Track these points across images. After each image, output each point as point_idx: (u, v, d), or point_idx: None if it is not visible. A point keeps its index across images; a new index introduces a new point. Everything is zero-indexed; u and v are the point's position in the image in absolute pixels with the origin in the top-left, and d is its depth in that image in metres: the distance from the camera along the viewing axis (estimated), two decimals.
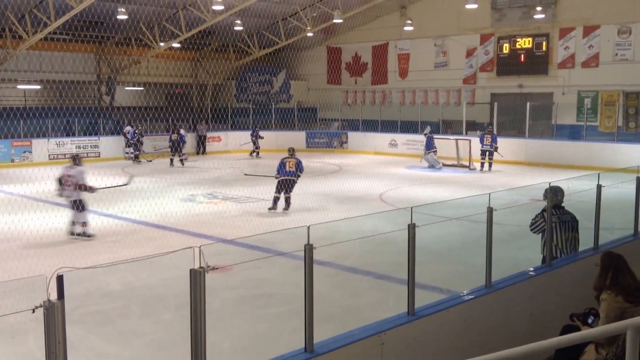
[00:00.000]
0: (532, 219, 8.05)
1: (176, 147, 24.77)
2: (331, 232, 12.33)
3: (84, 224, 12.28)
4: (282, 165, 15.24)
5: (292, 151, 15.82)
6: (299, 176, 15.27)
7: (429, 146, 23.45)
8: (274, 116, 31.61)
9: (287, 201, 14.96)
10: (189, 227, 13.06)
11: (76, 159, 13.03)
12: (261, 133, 28.81)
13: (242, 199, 16.73)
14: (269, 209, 14.82)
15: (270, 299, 8.57)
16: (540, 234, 7.87)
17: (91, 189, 12.63)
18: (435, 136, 24.18)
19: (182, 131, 25.39)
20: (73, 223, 12.32)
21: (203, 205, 15.91)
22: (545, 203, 7.82)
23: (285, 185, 15.01)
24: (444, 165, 23.53)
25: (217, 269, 4.58)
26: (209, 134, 29.56)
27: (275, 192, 15.01)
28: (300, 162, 15.40)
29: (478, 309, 6.86)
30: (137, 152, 25.79)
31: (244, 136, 29.78)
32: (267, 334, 7.40)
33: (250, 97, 34.81)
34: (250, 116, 31.42)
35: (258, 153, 28.23)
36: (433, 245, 10.74)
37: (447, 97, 30.96)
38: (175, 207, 15.44)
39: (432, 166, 23.34)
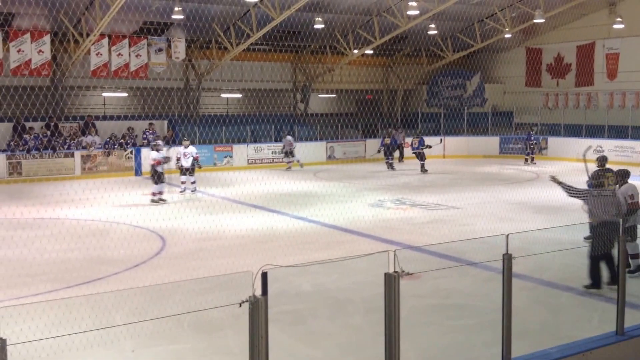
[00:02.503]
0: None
1: (390, 151, 25.45)
2: (527, 243, 11.66)
3: None
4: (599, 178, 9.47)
5: (604, 160, 11.50)
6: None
7: None
8: (466, 121, 30.86)
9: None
10: (377, 232, 13.04)
11: None
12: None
13: (430, 206, 16.43)
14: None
15: (460, 310, 8.24)
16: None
17: None
18: None
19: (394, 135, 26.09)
20: None
21: (391, 211, 15.85)
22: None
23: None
24: None
25: (411, 274, 4.44)
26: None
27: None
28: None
29: None
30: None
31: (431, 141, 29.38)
32: (456, 346, 7.11)
33: (442, 101, 34.30)
34: (442, 121, 30.94)
35: (533, 159, 26.75)
36: None
37: None
38: (364, 212, 15.52)
39: None
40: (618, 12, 28.54)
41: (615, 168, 10.53)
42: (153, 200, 17.31)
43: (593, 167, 10.99)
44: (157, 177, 17.40)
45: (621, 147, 25.91)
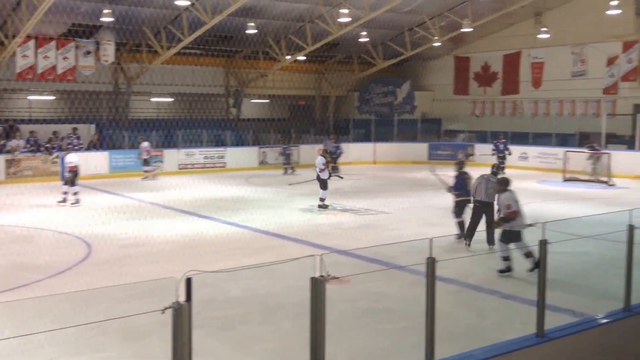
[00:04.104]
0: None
1: (288, 157, 26.56)
2: (453, 247, 11.98)
3: None
4: (461, 181, 12.59)
5: (462, 164, 13.03)
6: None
7: None
8: (396, 127, 31.33)
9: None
10: (307, 237, 13.08)
11: None
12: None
13: (361, 211, 16.60)
14: (458, 237, 12.31)
15: (388, 314, 8.34)
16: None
17: None
18: (570, 149, 22.90)
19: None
20: None
21: (322, 216, 15.93)
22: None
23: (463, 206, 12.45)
24: (578, 180, 22.30)
25: (337, 278, 4.47)
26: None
27: (456, 216, 12.61)
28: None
29: (615, 333, 6.45)
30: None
31: (362, 147, 29.75)
32: (384, 350, 7.20)
33: (373, 108, 34.75)
34: (372, 128, 31.34)
35: (503, 168, 23.27)
36: (565, 264, 10.11)
37: (585, 108, 29.30)
38: (295, 217, 15.55)
39: None
40: (543, 22, 29.56)
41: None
42: (320, 206, 16.79)
43: (447, 179, 12.89)
44: (322, 183, 17.00)
45: (545, 153, 26.80)
